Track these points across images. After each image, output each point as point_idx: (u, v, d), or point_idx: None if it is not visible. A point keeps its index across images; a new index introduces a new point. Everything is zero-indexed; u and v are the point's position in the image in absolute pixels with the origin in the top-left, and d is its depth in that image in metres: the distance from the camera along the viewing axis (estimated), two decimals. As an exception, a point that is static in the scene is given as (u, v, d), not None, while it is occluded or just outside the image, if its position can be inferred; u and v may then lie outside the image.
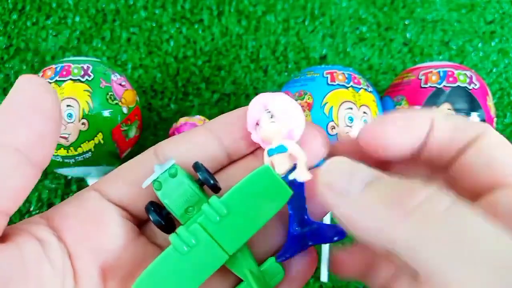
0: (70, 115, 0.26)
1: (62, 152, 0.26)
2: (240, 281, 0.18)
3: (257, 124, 0.17)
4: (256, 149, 0.19)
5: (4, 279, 0.14)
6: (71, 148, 0.26)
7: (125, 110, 0.28)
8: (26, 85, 0.14)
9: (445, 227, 0.11)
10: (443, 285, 0.11)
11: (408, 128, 0.15)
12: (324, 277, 0.31)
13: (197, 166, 0.17)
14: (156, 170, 0.16)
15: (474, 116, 0.26)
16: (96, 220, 0.17)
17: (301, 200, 0.17)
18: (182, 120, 0.30)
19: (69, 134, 0.26)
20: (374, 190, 0.13)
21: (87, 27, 0.36)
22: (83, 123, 0.26)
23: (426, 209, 0.12)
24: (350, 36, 0.36)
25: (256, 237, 0.16)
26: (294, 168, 0.17)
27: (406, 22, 0.36)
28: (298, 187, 0.17)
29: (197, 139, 0.18)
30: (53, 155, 0.27)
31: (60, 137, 0.26)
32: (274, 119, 0.17)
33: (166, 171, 0.16)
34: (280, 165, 0.17)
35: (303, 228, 0.17)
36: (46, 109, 0.14)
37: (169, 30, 0.36)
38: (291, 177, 0.17)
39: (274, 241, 0.18)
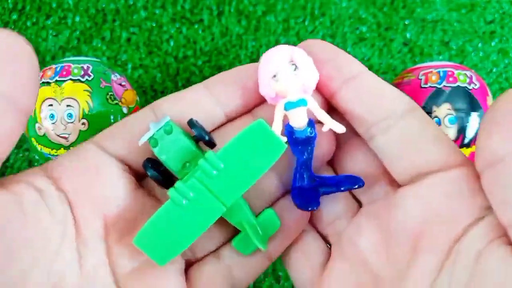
0: (70, 115, 0.26)
1: (62, 152, 0.26)
2: (238, 231, 0.18)
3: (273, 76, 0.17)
4: (253, 107, 0.19)
5: (2, 222, 0.13)
6: (71, 148, 0.26)
7: (125, 110, 0.28)
8: (2, 37, 0.14)
9: None
10: None
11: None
12: None
13: (191, 123, 0.17)
14: (151, 127, 0.17)
15: (474, 116, 0.26)
16: (96, 171, 0.17)
17: (311, 154, 0.17)
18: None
19: (69, 134, 0.26)
20: None
21: (87, 27, 0.36)
22: (83, 123, 0.26)
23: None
24: (350, 36, 0.36)
25: (252, 189, 0.17)
26: (310, 122, 0.17)
27: (406, 22, 0.36)
28: (312, 141, 0.17)
29: (194, 97, 0.18)
30: (53, 155, 0.27)
31: (60, 137, 0.26)
32: (297, 72, 0.17)
33: (162, 128, 0.17)
34: (300, 118, 0.17)
35: (311, 181, 0.17)
36: (26, 56, 0.14)
37: (169, 30, 0.36)
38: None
39: (269, 193, 0.19)
